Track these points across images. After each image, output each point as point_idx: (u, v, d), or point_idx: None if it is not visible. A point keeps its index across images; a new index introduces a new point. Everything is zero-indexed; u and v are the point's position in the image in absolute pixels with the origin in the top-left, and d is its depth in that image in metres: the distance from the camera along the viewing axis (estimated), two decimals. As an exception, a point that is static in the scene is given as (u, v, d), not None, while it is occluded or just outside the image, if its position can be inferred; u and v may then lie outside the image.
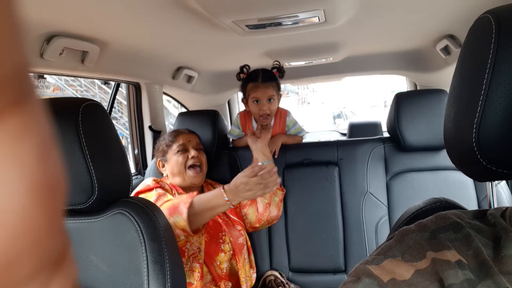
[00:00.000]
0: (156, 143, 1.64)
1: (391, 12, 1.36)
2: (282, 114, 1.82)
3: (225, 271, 1.40)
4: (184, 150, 1.51)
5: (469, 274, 0.39)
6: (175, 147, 1.51)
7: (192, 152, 1.50)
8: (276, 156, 1.73)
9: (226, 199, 1.20)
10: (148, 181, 1.43)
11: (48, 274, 0.15)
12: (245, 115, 1.83)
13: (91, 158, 0.81)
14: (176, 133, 1.57)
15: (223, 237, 1.44)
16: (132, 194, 1.37)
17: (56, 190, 0.15)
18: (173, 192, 1.44)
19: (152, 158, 1.93)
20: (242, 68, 1.73)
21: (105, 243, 0.88)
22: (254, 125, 1.81)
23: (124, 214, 0.87)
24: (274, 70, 1.71)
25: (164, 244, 0.87)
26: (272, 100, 1.67)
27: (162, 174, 1.57)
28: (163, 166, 1.56)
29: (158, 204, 1.25)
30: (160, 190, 1.36)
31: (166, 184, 1.47)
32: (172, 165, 1.50)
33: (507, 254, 0.39)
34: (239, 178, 1.22)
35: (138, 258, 0.85)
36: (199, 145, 1.58)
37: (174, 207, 1.22)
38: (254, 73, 1.70)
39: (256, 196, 1.24)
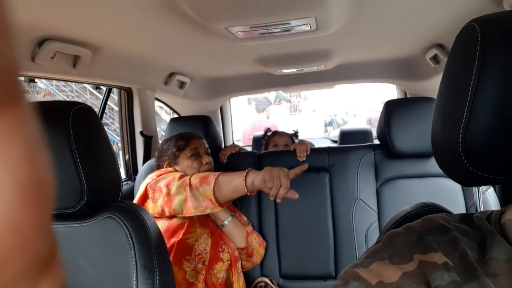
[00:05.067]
0: (161, 146, 1.61)
1: (382, 21, 1.38)
2: None
3: (220, 280, 1.39)
4: (197, 155, 1.52)
5: (455, 276, 0.40)
6: (187, 151, 1.51)
7: (206, 158, 1.52)
8: (306, 155, 1.75)
9: (243, 178, 1.23)
10: (163, 169, 1.47)
11: (36, 276, 0.15)
12: None
13: (81, 162, 0.80)
14: (188, 138, 1.56)
15: (223, 245, 1.43)
16: (151, 178, 1.38)
17: (44, 191, 0.15)
18: None
19: (143, 164, 1.92)
20: (266, 130, 2.30)
21: (94, 248, 0.87)
22: None
23: (113, 219, 0.87)
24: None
25: (154, 249, 0.87)
26: (287, 146, 2.07)
27: None
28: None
29: (186, 177, 1.30)
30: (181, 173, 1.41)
31: None
32: (184, 170, 1.50)
33: (492, 256, 0.40)
34: (272, 169, 1.21)
35: (127, 263, 0.85)
36: (208, 150, 1.59)
37: (205, 177, 1.28)
38: (275, 132, 2.26)
39: (268, 189, 1.22)
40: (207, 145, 1.60)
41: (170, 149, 1.53)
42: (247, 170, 1.25)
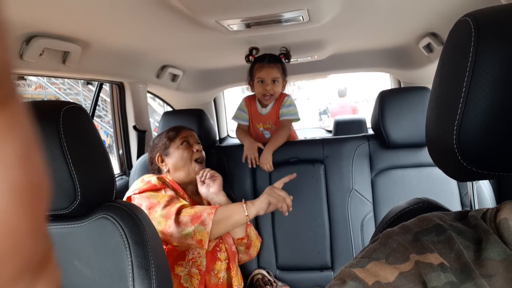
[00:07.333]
0: (153, 140, 1.60)
1: (374, 11, 1.37)
2: (281, 97, 1.85)
3: (221, 280, 1.38)
4: (187, 143, 1.51)
5: (451, 276, 0.40)
6: (178, 140, 1.50)
7: (196, 146, 1.52)
8: (271, 169, 1.70)
9: (246, 213, 1.24)
10: (152, 180, 1.36)
11: (31, 278, 0.15)
12: (250, 98, 1.91)
13: (73, 163, 0.79)
14: (178, 128, 1.56)
15: (220, 245, 1.42)
16: (133, 192, 1.32)
17: (39, 192, 0.15)
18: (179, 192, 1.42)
19: (137, 158, 1.90)
20: (251, 49, 1.82)
21: (89, 248, 0.86)
22: (259, 107, 1.87)
23: (108, 219, 0.86)
24: (281, 55, 1.81)
25: (150, 248, 0.86)
26: (276, 81, 1.75)
27: (159, 171, 1.54)
28: (163, 161, 1.51)
29: (172, 208, 1.24)
30: (170, 192, 1.34)
31: (169, 184, 1.42)
32: (176, 159, 1.48)
33: (487, 257, 0.40)
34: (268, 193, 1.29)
35: (123, 263, 0.84)
36: (198, 140, 1.59)
37: (197, 215, 1.23)
38: (262, 55, 1.79)
39: (271, 209, 1.30)
40: (197, 137, 1.60)
41: (162, 141, 1.53)
42: (243, 204, 1.27)
